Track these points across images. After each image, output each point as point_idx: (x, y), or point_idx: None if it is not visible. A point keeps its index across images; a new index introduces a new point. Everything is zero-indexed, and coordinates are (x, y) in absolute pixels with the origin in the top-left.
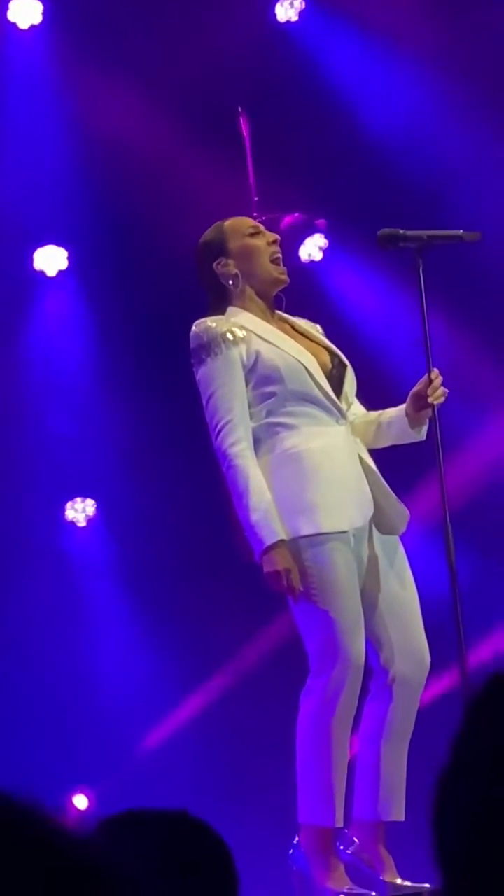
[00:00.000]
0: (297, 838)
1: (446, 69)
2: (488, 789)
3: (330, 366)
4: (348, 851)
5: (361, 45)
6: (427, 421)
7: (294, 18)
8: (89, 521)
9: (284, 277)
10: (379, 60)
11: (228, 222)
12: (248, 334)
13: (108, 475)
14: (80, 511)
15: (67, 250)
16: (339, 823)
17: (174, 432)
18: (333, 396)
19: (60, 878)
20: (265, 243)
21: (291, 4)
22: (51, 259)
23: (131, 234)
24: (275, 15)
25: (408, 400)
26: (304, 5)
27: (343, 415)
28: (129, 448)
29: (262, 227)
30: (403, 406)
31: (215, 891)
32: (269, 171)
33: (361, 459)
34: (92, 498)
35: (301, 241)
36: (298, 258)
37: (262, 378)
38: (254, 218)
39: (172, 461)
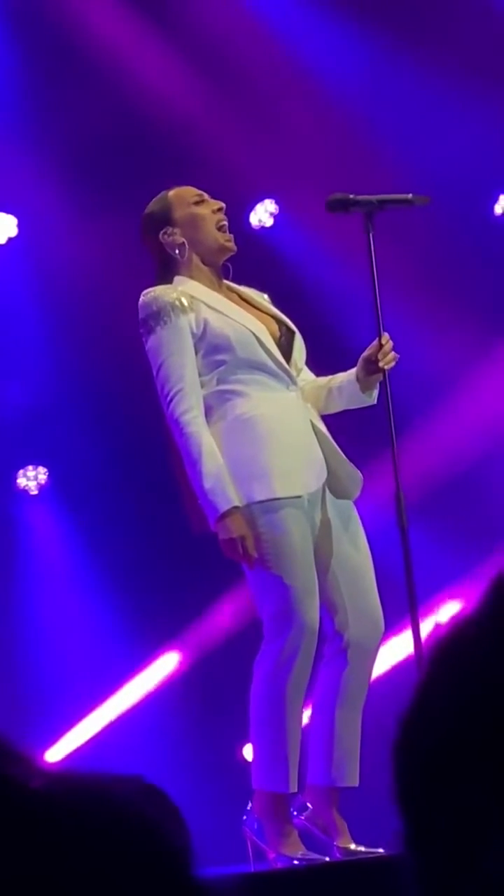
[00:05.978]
0: (250, 804)
1: (397, 32)
2: (450, 726)
3: (278, 334)
4: (302, 817)
5: (310, 8)
6: (377, 385)
7: None
8: (41, 488)
9: (231, 245)
10: (330, 23)
11: (173, 192)
12: (196, 303)
13: (60, 443)
14: (31, 479)
15: (17, 217)
16: (293, 789)
17: (125, 400)
18: (283, 363)
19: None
20: (210, 211)
21: None
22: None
23: (83, 201)
24: None
25: (358, 364)
26: None
27: (293, 381)
28: (81, 415)
29: (206, 196)
30: (353, 371)
31: (168, 857)
32: (219, 138)
33: (313, 424)
34: (44, 465)
35: (251, 208)
36: (249, 224)
37: (211, 346)
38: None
39: (124, 429)
